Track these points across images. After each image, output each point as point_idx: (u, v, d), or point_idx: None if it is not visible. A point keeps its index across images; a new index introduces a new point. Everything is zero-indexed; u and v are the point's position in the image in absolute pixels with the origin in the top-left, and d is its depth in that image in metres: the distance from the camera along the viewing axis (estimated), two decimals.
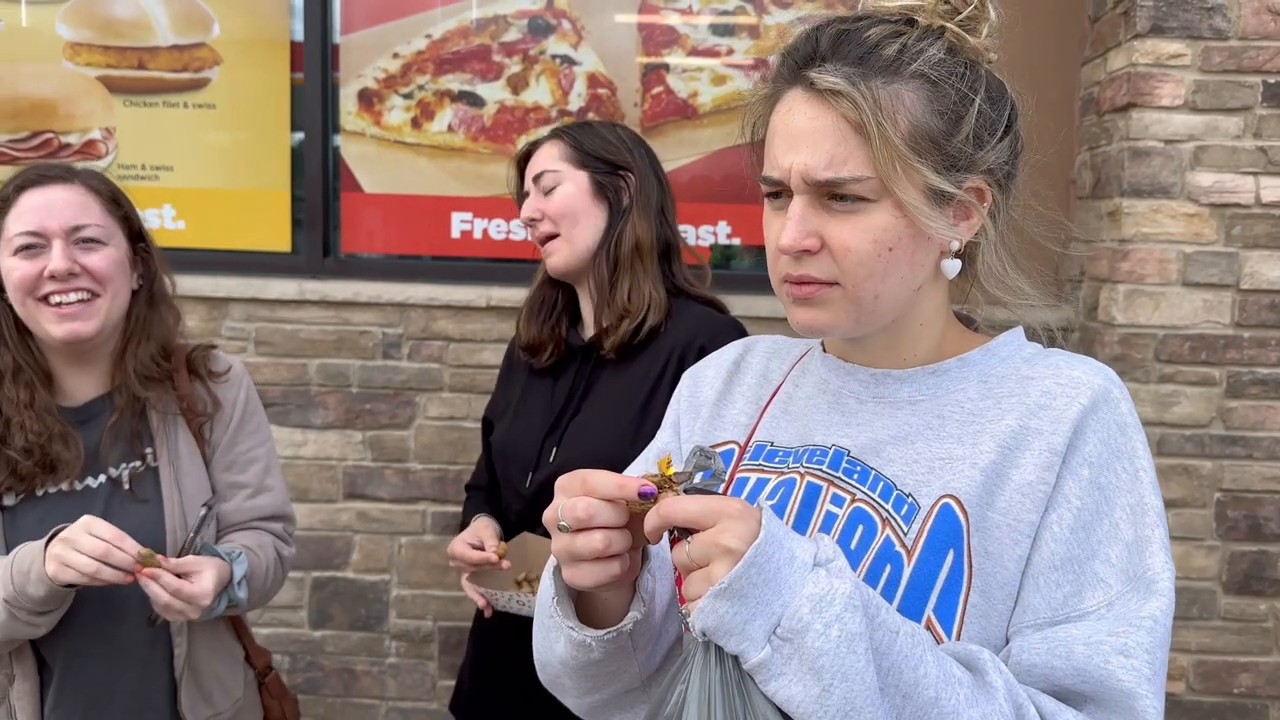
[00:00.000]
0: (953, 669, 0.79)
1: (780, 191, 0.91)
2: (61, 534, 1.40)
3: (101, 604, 1.52)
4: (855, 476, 0.91)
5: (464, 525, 1.85)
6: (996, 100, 0.91)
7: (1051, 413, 0.88)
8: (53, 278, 1.49)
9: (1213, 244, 2.42)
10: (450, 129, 2.94)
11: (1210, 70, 2.38)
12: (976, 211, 0.91)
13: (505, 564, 1.68)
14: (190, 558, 1.48)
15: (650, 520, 0.78)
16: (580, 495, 0.80)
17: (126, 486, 1.55)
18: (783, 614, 0.74)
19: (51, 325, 1.50)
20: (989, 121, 0.89)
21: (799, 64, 0.89)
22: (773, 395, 1.03)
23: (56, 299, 1.50)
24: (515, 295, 2.75)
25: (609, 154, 1.76)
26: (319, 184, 2.95)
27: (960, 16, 0.89)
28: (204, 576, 1.46)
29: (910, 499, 0.88)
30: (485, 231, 2.95)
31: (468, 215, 2.95)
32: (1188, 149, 2.40)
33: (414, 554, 2.89)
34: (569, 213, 1.72)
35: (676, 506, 0.77)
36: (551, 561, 0.91)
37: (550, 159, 1.75)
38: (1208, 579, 2.48)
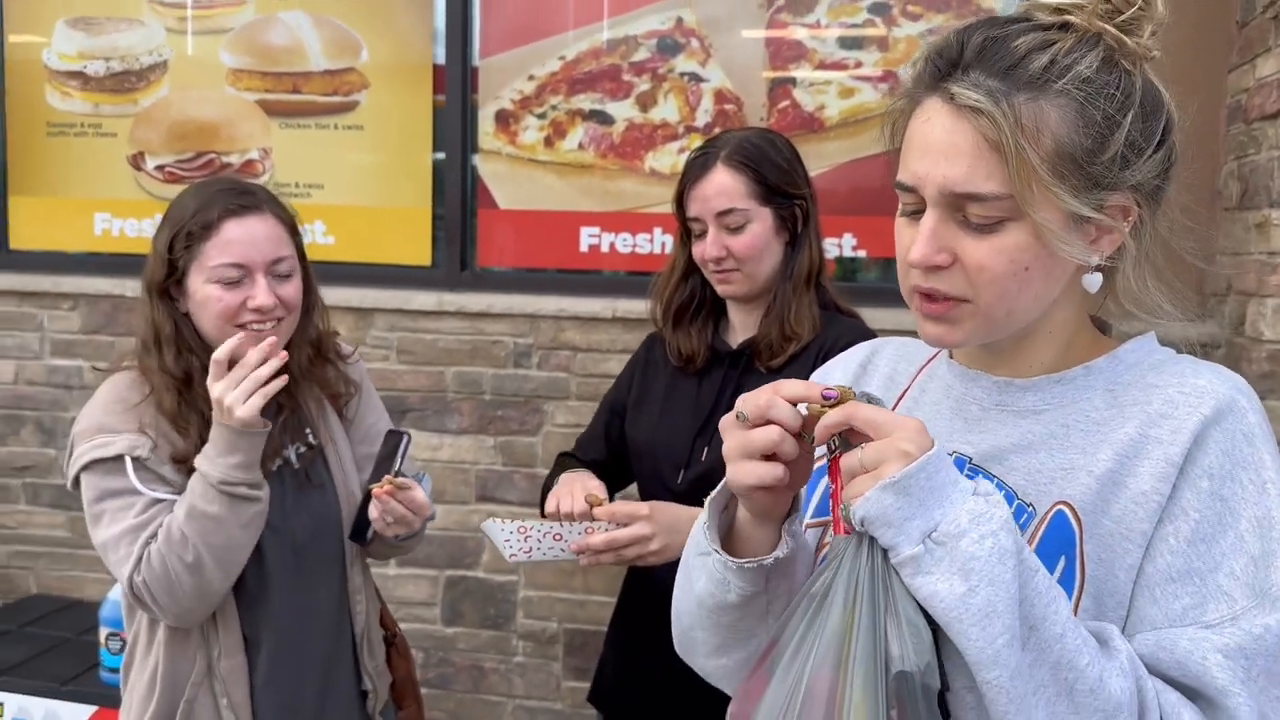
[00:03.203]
0: (1081, 628, 0.81)
1: (913, 201, 0.90)
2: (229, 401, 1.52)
3: (296, 576, 1.67)
4: None
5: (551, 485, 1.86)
6: (1151, 114, 0.87)
7: (1172, 422, 0.87)
8: (258, 310, 1.59)
9: None
10: (581, 147, 3.03)
11: None
12: (1118, 229, 0.88)
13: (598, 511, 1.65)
14: (401, 479, 1.62)
15: (831, 417, 0.82)
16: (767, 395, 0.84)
17: (297, 466, 1.70)
18: (940, 521, 0.78)
19: (248, 346, 1.60)
20: (1139, 139, 0.86)
21: (941, 71, 0.87)
22: (899, 398, 1.03)
23: (256, 326, 1.60)
24: (640, 307, 2.79)
25: (788, 185, 1.76)
26: (457, 201, 3.09)
27: (1122, 17, 0.86)
28: (417, 490, 1.62)
29: (1030, 508, 0.89)
30: (612, 245, 3.03)
31: (595, 230, 3.04)
32: None
33: None
34: (756, 253, 1.74)
35: (862, 409, 0.81)
36: (714, 495, 0.94)
37: (736, 195, 1.72)
38: None
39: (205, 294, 1.59)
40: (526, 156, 3.07)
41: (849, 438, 0.83)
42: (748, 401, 0.85)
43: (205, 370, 1.60)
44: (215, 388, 1.52)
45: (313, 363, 1.73)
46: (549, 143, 3.05)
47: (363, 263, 3.15)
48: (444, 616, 3.06)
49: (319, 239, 3.18)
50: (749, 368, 1.77)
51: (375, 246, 3.16)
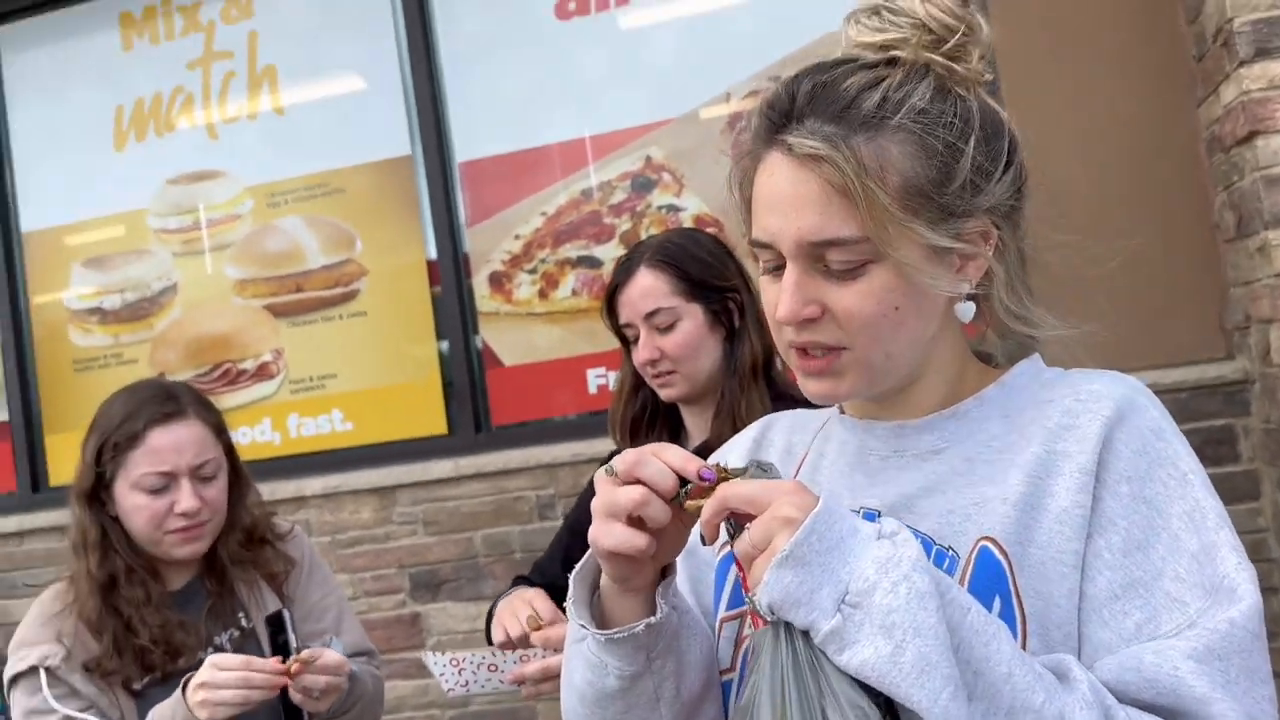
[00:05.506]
0: (1033, 662, 0.74)
1: (772, 257, 0.87)
2: (196, 680, 1.49)
3: None
4: None
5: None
6: (993, 136, 0.85)
7: (1076, 432, 0.82)
8: (184, 515, 1.63)
9: None
10: (574, 293, 3.08)
11: None
12: (981, 254, 0.86)
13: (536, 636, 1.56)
14: (306, 651, 1.57)
15: (709, 507, 0.77)
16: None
17: (230, 652, 1.66)
18: (850, 579, 0.72)
19: (176, 549, 1.65)
20: (985, 162, 0.84)
21: (775, 124, 0.85)
22: (798, 468, 0.99)
23: (182, 529, 1.64)
24: None
25: (714, 278, 1.74)
26: (464, 367, 3.13)
27: (947, 46, 0.83)
28: (329, 652, 1.56)
29: (951, 551, 0.83)
30: None
31: (601, 370, 3.05)
32: None
33: None
34: (690, 350, 1.71)
35: (732, 489, 0.77)
36: (579, 568, 0.88)
37: (660, 294, 1.71)
38: None
39: (133, 501, 1.63)
40: (524, 311, 3.12)
41: (738, 522, 0.78)
42: (622, 458, 0.80)
43: (130, 572, 1.63)
44: (208, 674, 1.48)
45: (245, 547, 1.75)
46: (543, 294, 3.10)
47: (383, 442, 3.18)
48: None
49: (338, 427, 3.23)
50: None
51: (393, 424, 3.20)
